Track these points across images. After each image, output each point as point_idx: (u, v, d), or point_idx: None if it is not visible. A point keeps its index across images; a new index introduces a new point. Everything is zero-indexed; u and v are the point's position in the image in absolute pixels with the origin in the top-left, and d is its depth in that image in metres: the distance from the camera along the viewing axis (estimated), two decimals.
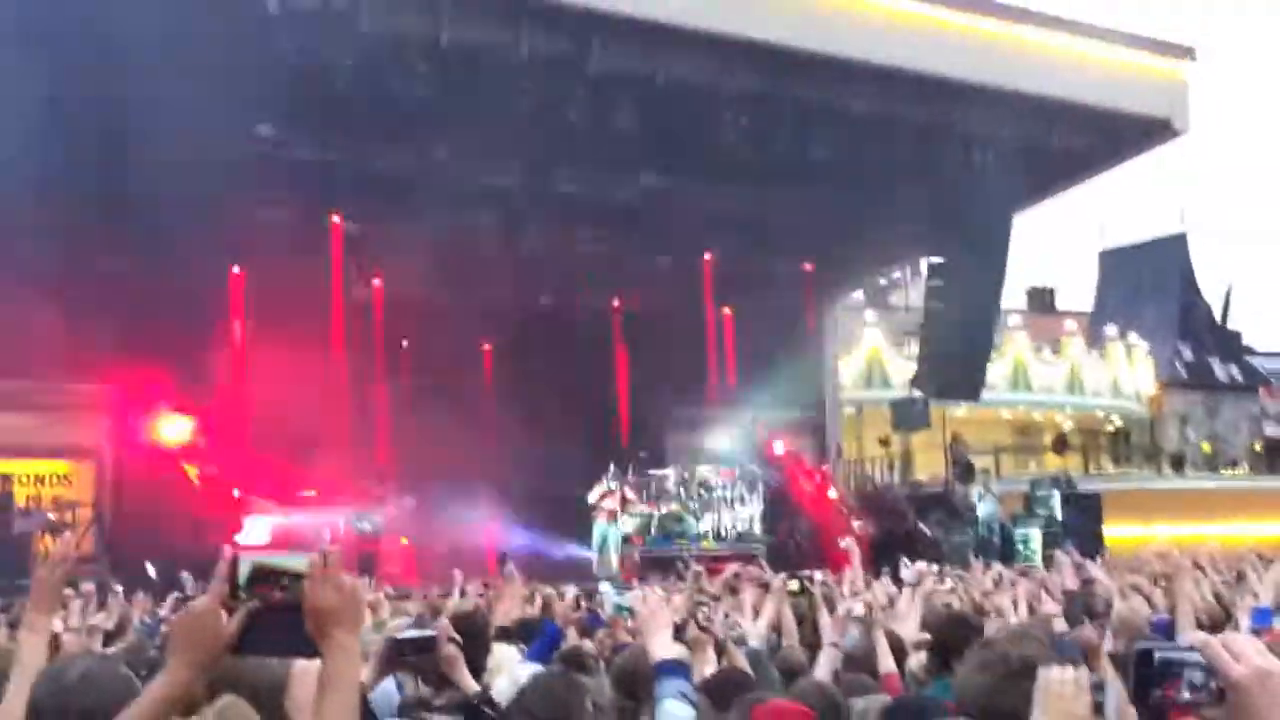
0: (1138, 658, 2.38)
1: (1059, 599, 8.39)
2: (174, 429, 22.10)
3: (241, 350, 23.57)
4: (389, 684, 5.39)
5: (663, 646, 4.47)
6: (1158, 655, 2.36)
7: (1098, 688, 2.86)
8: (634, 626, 5.68)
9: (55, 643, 6.30)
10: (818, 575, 8.01)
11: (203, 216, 19.42)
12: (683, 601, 8.82)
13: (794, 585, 8.02)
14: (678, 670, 4.35)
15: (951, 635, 6.15)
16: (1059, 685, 2.84)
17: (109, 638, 7.40)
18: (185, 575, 11.18)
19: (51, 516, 21.43)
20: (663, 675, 4.28)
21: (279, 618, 2.74)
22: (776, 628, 7.59)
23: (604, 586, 7.45)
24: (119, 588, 11.92)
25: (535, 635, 7.04)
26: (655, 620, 4.58)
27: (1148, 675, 2.34)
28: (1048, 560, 19.24)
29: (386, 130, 21.59)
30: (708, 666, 6.53)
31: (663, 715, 4.10)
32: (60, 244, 18.46)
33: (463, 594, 10.65)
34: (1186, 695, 2.29)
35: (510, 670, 5.69)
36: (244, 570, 2.75)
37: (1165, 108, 25.22)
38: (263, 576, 2.76)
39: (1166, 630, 7.11)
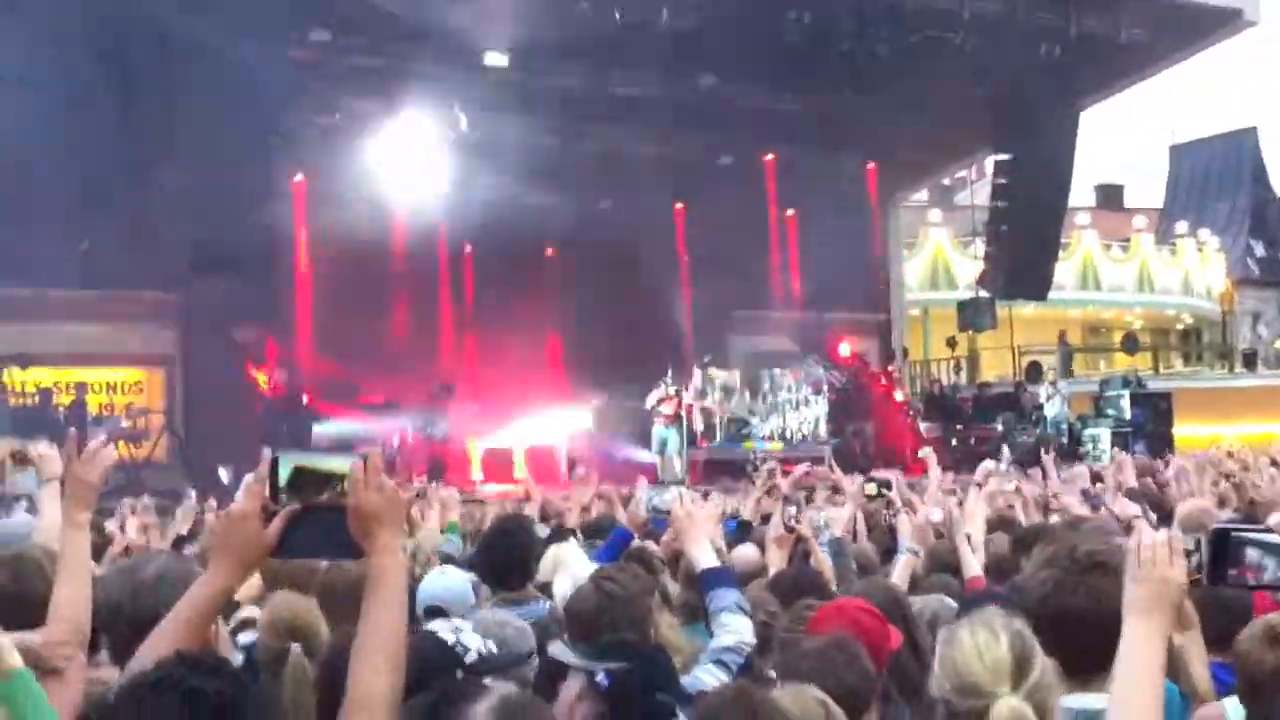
0: (1214, 537, 2.35)
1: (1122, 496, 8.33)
2: (244, 337, 22.31)
3: (306, 256, 23.63)
4: (460, 583, 5.42)
5: (703, 552, 4.42)
6: (1234, 535, 2.33)
7: (1195, 549, 2.77)
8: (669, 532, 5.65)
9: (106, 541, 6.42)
10: (894, 478, 7.94)
11: (263, 123, 19.49)
12: (752, 502, 8.85)
13: (871, 488, 7.95)
14: (726, 579, 4.31)
15: (1030, 538, 6.11)
16: (1151, 549, 2.75)
17: (181, 541, 7.49)
18: (222, 469, 11.28)
19: (125, 424, 21.73)
20: (713, 586, 4.24)
21: (321, 519, 2.74)
22: (852, 531, 7.58)
23: (642, 486, 7.43)
24: (192, 492, 12.11)
25: (603, 535, 7.07)
26: (693, 525, 4.52)
27: (1224, 555, 2.31)
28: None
29: (438, 36, 21.41)
30: (777, 566, 6.55)
31: (720, 628, 4.06)
32: (124, 154, 18.54)
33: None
34: (1266, 576, 2.26)
35: (572, 569, 5.71)
36: (284, 472, 2.75)
37: None
38: (303, 478, 2.76)
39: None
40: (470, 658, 3.66)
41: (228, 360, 21.71)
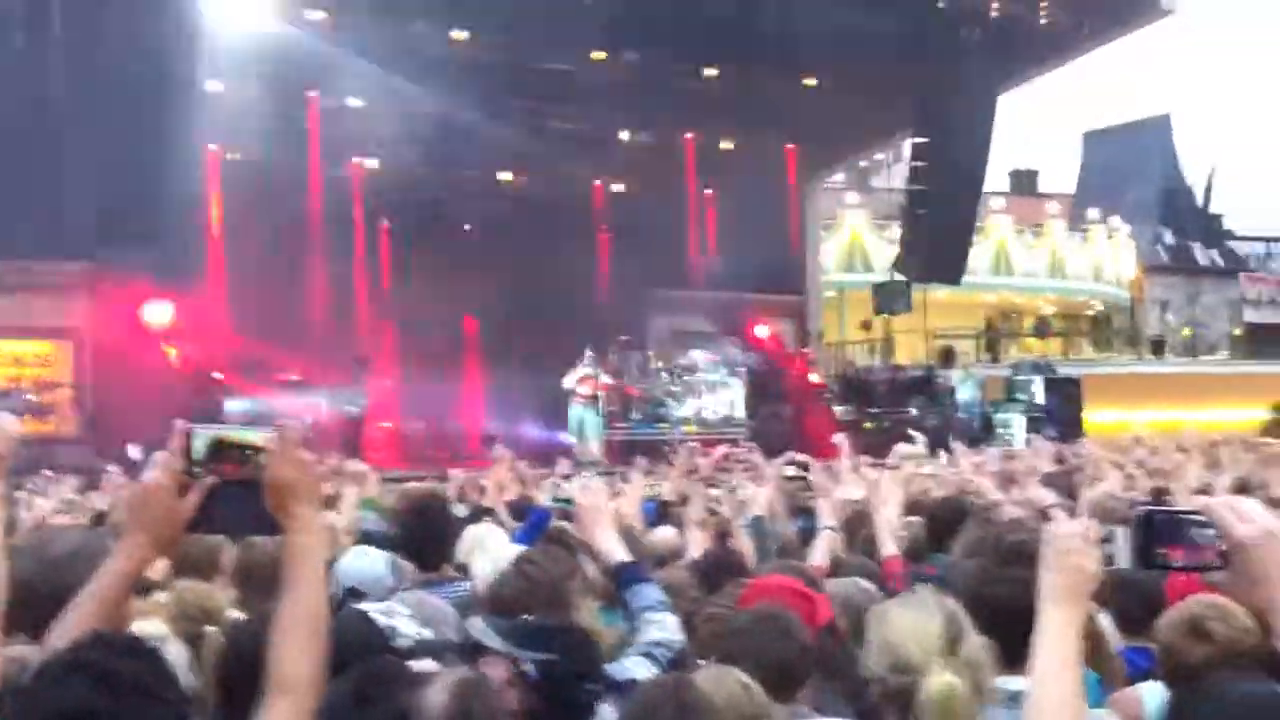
0: (1139, 520, 2.36)
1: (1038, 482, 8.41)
2: (155, 310, 21.95)
3: (220, 229, 23.32)
4: (380, 565, 5.34)
5: (609, 542, 4.35)
6: (1159, 518, 2.34)
7: (1108, 538, 2.79)
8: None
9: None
10: (813, 461, 7.97)
11: (179, 95, 19.21)
12: (673, 483, 8.85)
13: (790, 470, 7.98)
14: (642, 574, 4.26)
15: (946, 518, 6.16)
16: (1067, 539, 2.73)
17: (102, 517, 7.34)
18: (132, 447, 11.11)
19: (31, 397, 21.33)
20: (631, 583, 4.18)
21: (237, 494, 2.67)
22: (771, 512, 7.59)
23: (563, 467, 7.40)
24: (112, 467, 11.87)
25: (522, 516, 7.03)
26: (597, 514, 4.46)
27: (1149, 537, 2.32)
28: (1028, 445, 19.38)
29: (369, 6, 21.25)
30: (698, 548, 6.54)
31: (647, 626, 4.01)
32: (37, 122, 18.20)
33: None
34: (1189, 558, 2.27)
35: (491, 550, 5.65)
36: (199, 444, 2.67)
37: None
38: (219, 451, 2.69)
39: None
40: (402, 643, 3.61)
41: (138, 334, 21.35)
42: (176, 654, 3.40)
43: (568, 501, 5.69)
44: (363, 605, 3.88)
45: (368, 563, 5.33)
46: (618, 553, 4.31)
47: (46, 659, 2.32)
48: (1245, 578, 2.19)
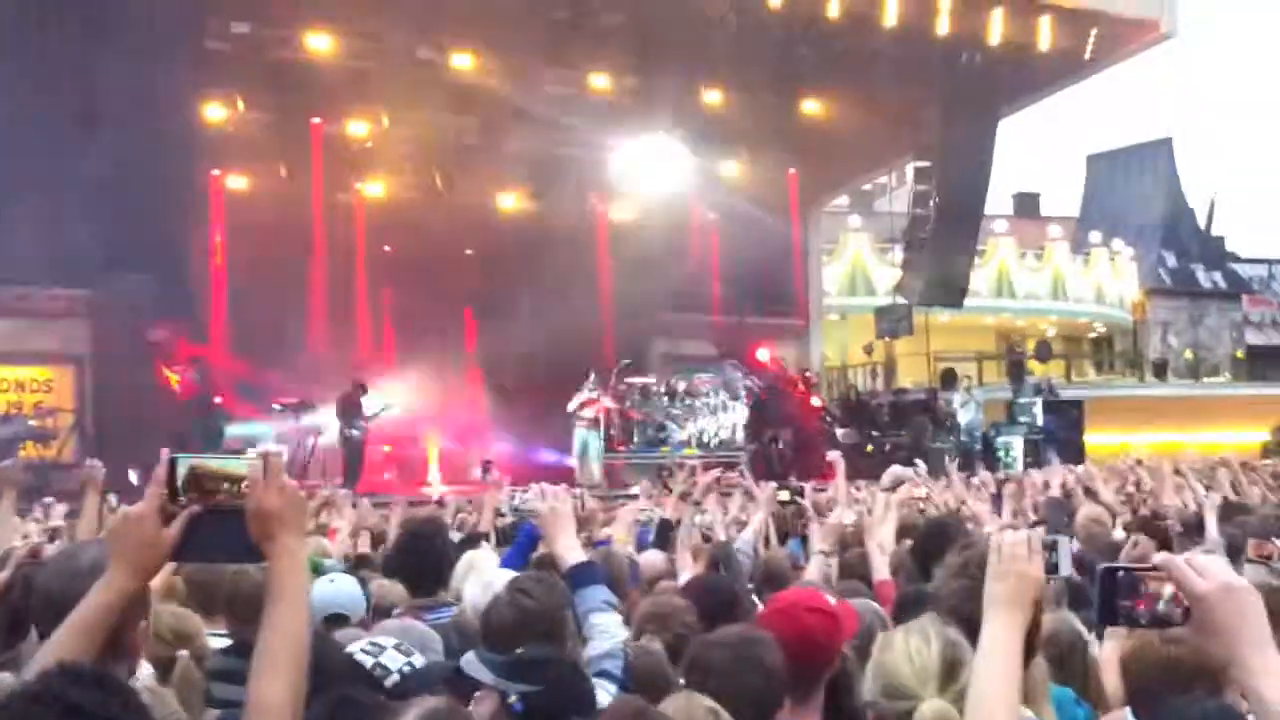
0: (1102, 576, 2.40)
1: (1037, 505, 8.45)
2: (156, 335, 21.97)
3: (222, 256, 23.38)
4: (353, 590, 5.35)
5: (568, 548, 4.38)
6: (1121, 574, 2.38)
7: (1050, 548, 2.89)
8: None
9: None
10: (808, 486, 8.00)
11: (181, 120, 19.29)
12: (670, 505, 8.86)
13: (784, 495, 8.00)
14: (593, 575, 4.27)
15: (932, 541, 6.15)
16: (1012, 547, 2.87)
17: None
18: (132, 470, 11.11)
19: (32, 423, 21.34)
20: (581, 584, 4.19)
21: (221, 522, 2.68)
22: (764, 537, 7.61)
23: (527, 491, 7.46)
24: (113, 496, 11.85)
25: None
26: (558, 520, 4.49)
27: (1112, 593, 2.36)
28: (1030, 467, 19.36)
29: (368, 29, 21.35)
30: (688, 571, 6.55)
31: (591, 629, 4.02)
32: (40, 149, 18.24)
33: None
34: (1151, 612, 2.32)
35: (483, 573, 5.66)
36: (182, 472, 2.69)
37: (1155, 9, 25.01)
38: (202, 479, 2.70)
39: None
40: (391, 680, 3.63)
41: (139, 359, 21.37)
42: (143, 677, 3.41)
43: (528, 513, 5.71)
44: (350, 646, 3.88)
45: (339, 589, 5.35)
46: (572, 556, 4.33)
47: (11, 690, 2.30)
48: (1205, 631, 2.24)
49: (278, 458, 2.71)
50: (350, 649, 3.84)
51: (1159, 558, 2.35)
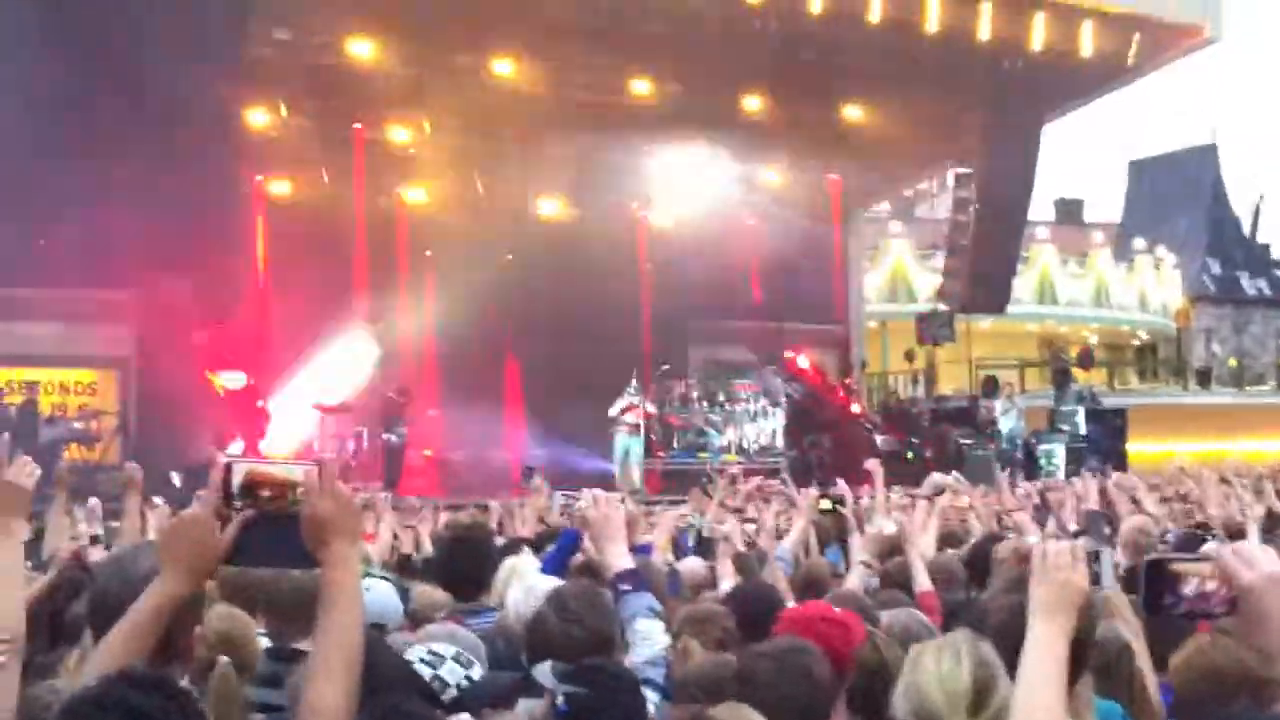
0: (1148, 568, 2.40)
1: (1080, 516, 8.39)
2: (200, 339, 22.13)
3: (265, 260, 23.54)
4: (391, 596, 5.36)
5: (618, 555, 4.38)
6: (1170, 565, 2.38)
7: (1094, 558, 2.91)
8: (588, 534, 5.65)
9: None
10: (846, 494, 7.94)
11: (225, 125, 19.42)
12: (712, 511, 8.85)
13: (825, 504, 7.94)
14: (640, 583, 4.27)
15: (986, 554, 6.11)
16: (1056, 555, 2.89)
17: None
18: (174, 475, 11.17)
19: (77, 425, 21.51)
20: (625, 591, 4.19)
21: (275, 528, 2.71)
22: (805, 546, 7.59)
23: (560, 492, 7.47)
24: (159, 500, 11.92)
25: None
26: (608, 527, 4.48)
27: (1159, 584, 2.36)
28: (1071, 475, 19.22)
29: (409, 36, 21.44)
30: (730, 580, 6.53)
31: (634, 635, 4.02)
32: (81, 153, 18.37)
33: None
34: (1197, 604, 2.31)
35: (525, 579, 5.67)
36: (237, 479, 2.71)
37: (1199, 13, 24.82)
38: (257, 486, 2.72)
39: (1183, 544, 7.11)
40: (449, 694, 3.64)
41: (182, 363, 21.52)
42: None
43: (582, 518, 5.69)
44: (409, 654, 3.88)
45: (374, 596, 5.36)
46: (620, 562, 4.33)
47: (75, 694, 2.33)
48: (1251, 622, 2.23)
49: (333, 465, 2.73)
50: (409, 656, 3.85)
51: (1208, 548, 2.34)
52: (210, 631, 3.98)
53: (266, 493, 2.72)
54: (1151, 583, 2.38)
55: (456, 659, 3.83)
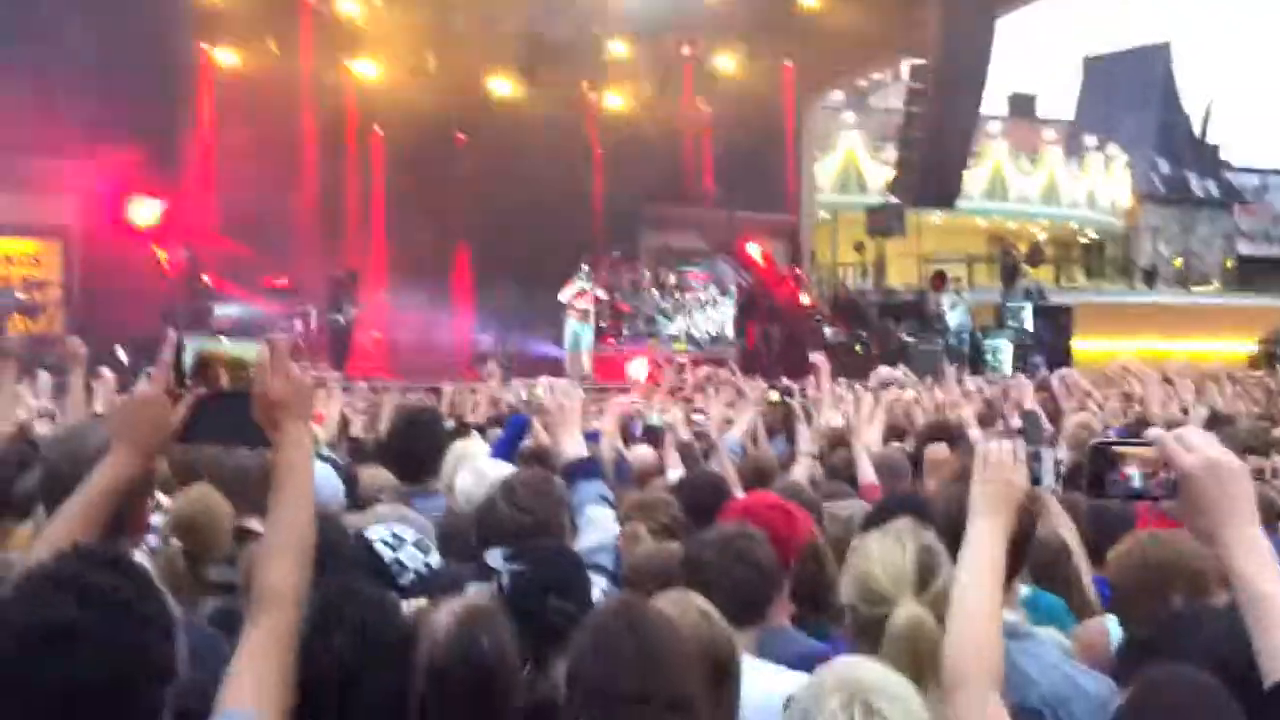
0: (1092, 452, 2.44)
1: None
2: (144, 210, 21.84)
3: (211, 132, 23.17)
4: (332, 475, 5.32)
5: (572, 443, 4.40)
6: (1112, 449, 2.42)
7: (1034, 458, 2.97)
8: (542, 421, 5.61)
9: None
10: (796, 387, 7.99)
11: None
12: (660, 399, 8.87)
13: (774, 396, 7.98)
14: (592, 470, 4.29)
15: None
16: (997, 454, 2.96)
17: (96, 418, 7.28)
18: (119, 348, 11.06)
19: (20, 296, 21.25)
20: (578, 477, 4.21)
21: (227, 405, 2.70)
22: (753, 436, 7.62)
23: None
24: (105, 369, 11.79)
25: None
26: (564, 415, 4.50)
27: (1102, 467, 2.40)
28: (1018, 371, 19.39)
29: None
30: (678, 469, 6.57)
31: (586, 522, 4.05)
32: (28, 23, 18.00)
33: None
34: (1139, 485, 2.35)
35: (475, 463, 5.66)
36: (189, 357, 2.69)
37: None
38: (209, 364, 2.70)
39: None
40: (407, 578, 3.65)
41: (126, 233, 21.25)
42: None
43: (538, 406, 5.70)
44: (370, 533, 3.88)
45: (317, 476, 5.32)
46: (575, 451, 4.34)
47: (27, 570, 2.32)
48: (1190, 507, 2.26)
49: (286, 343, 2.71)
50: (370, 536, 3.85)
51: (1151, 433, 2.37)
52: (174, 514, 3.98)
53: (219, 371, 2.69)
54: (1095, 466, 2.42)
55: (417, 545, 3.84)
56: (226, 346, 2.75)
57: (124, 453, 2.74)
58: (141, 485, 2.84)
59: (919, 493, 5.33)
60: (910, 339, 25.06)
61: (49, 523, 2.73)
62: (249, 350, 2.71)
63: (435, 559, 3.85)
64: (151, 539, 3.76)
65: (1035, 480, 3.03)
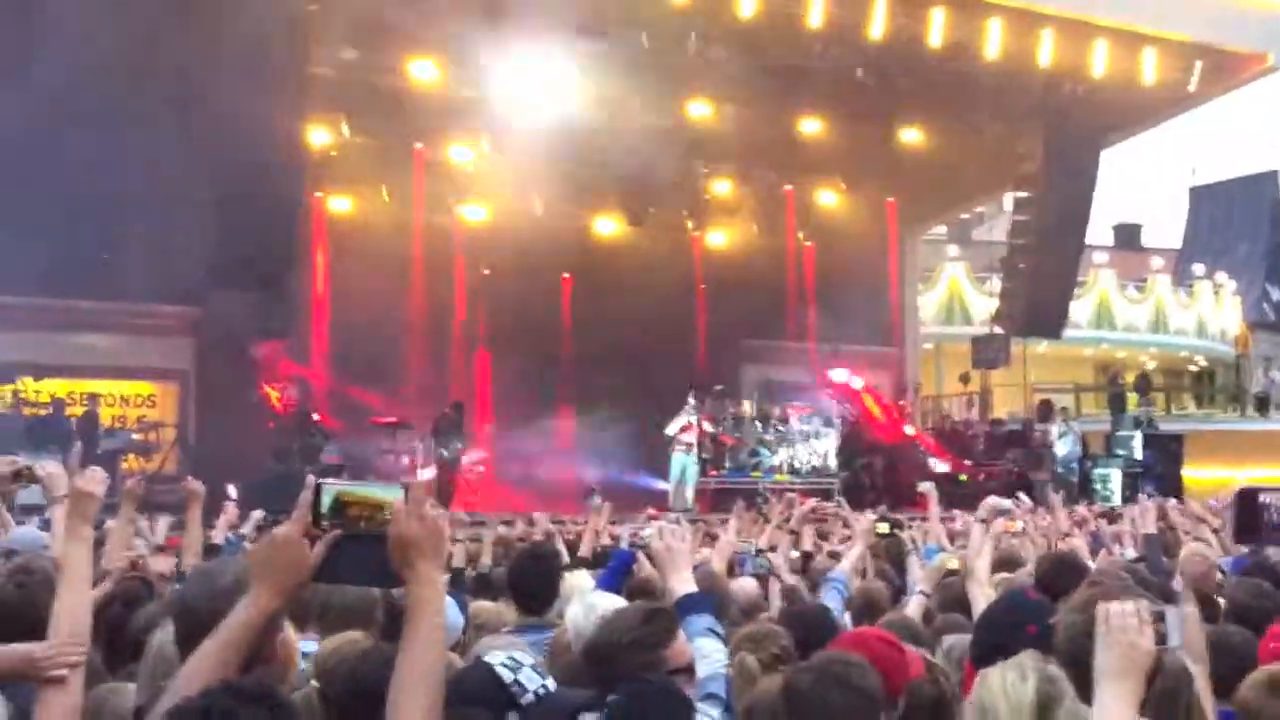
0: (1239, 497, 2.45)
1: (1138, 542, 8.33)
2: (258, 352, 22.32)
3: (324, 276, 23.75)
4: (453, 609, 5.40)
5: (683, 584, 4.41)
6: (1262, 496, 2.43)
7: (1159, 618, 2.89)
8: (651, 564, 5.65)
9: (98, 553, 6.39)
10: (904, 519, 7.94)
11: (287, 143, 19.62)
12: (767, 533, 8.85)
13: (883, 527, 7.89)
14: (702, 605, 4.30)
15: (1056, 576, 6.08)
16: (1120, 618, 2.87)
17: (214, 550, 7.43)
18: (230, 488, 11.22)
19: (136, 437, 21.75)
20: (688, 611, 4.22)
21: (362, 547, 2.78)
22: (861, 570, 7.57)
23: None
24: (229, 504, 11.98)
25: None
26: (674, 557, 4.51)
27: (1252, 512, 2.40)
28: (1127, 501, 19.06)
29: (469, 57, 21.60)
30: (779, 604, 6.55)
31: (696, 654, 4.06)
32: (150, 169, 18.59)
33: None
34: None
35: (586, 596, 5.71)
36: (326, 499, 2.79)
37: (1262, 41, 24.62)
38: (346, 506, 2.80)
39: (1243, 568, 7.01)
40: (526, 699, 3.71)
41: (241, 376, 21.72)
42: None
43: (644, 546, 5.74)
44: (489, 657, 3.97)
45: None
46: (687, 590, 4.36)
47: (177, 704, 2.42)
48: None
49: (422, 487, 2.81)
50: (490, 660, 3.94)
51: None
52: (320, 656, 4.05)
53: (355, 513, 2.80)
54: (1242, 513, 2.43)
55: (534, 668, 3.91)
56: (363, 490, 2.86)
57: (263, 591, 2.83)
58: (274, 621, 2.93)
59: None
60: (1020, 469, 24.78)
61: (191, 657, 2.81)
62: (385, 493, 2.81)
63: (551, 683, 3.92)
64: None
65: (1162, 641, 2.93)
